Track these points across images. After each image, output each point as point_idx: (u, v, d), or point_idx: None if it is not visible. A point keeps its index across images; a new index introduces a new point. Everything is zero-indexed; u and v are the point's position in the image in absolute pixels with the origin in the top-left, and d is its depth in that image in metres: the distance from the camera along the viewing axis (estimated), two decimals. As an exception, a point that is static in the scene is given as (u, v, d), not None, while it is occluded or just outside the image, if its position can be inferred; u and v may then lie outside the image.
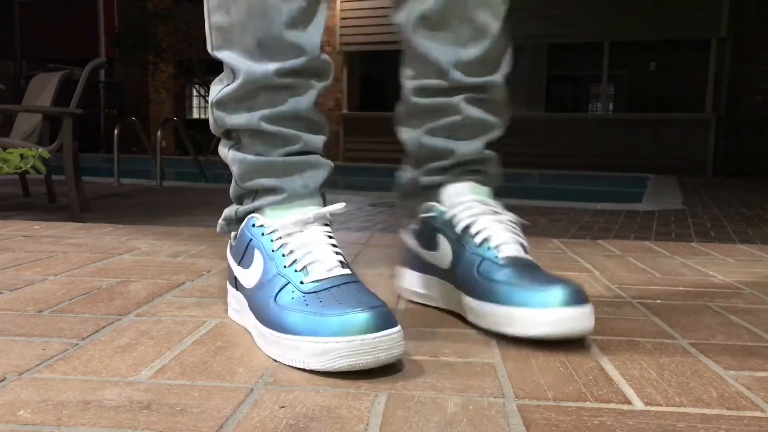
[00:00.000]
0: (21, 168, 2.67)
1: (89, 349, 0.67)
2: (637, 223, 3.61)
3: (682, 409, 0.55)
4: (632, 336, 0.76)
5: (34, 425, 0.49)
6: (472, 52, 0.81)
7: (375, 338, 0.59)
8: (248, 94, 0.73)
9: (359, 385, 0.59)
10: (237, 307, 0.77)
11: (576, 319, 0.68)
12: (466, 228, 0.78)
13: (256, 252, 0.72)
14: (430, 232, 0.83)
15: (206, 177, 6.10)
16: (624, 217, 3.83)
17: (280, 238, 0.70)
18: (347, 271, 0.68)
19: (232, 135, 0.78)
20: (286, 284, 0.67)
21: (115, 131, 5.56)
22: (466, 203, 0.80)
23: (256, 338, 0.70)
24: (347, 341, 0.59)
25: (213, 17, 0.74)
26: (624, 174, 8.43)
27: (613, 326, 0.80)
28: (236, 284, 0.77)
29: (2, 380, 0.58)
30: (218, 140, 0.81)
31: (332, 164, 0.79)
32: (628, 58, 10.59)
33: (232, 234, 0.80)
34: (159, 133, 5.69)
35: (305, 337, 0.61)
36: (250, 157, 0.75)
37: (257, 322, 0.69)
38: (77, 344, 0.69)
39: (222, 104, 0.76)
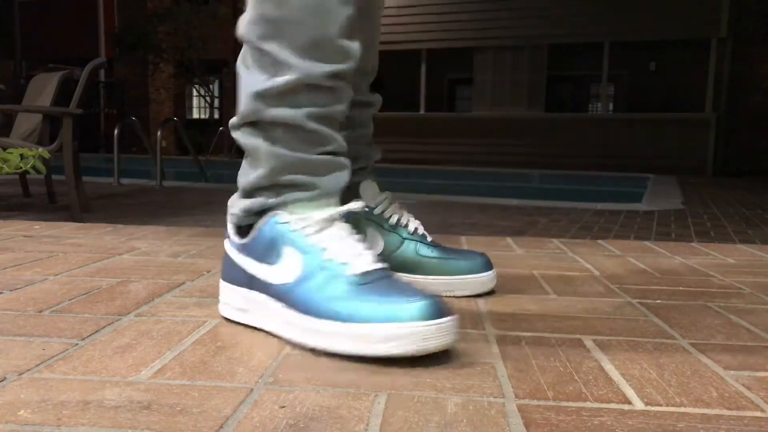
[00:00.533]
0: (21, 168, 2.67)
1: (89, 349, 0.67)
2: (637, 223, 3.61)
3: (682, 409, 0.55)
4: (632, 336, 0.76)
5: (34, 425, 0.49)
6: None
7: (442, 324, 0.64)
8: (296, 90, 0.74)
9: (359, 385, 0.59)
10: (243, 306, 0.76)
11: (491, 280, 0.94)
12: (398, 220, 0.95)
13: (287, 248, 0.72)
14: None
15: (206, 177, 6.10)
16: (624, 217, 3.83)
17: (314, 233, 0.72)
18: (385, 264, 0.73)
19: (263, 127, 0.76)
20: (334, 276, 0.68)
21: (115, 131, 5.56)
22: (384, 198, 0.95)
23: (296, 333, 0.69)
24: (425, 326, 0.63)
25: (262, 7, 0.73)
26: (624, 174, 8.43)
27: (613, 326, 0.80)
28: (251, 283, 0.75)
29: (2, 380, 0.58)
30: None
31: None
32: (628, 58, 10.60)
33: (231, 231, 0.80)
34: (159, 133, 5.69)
35: (378, 324, 0.64)
36: (288, 152, 0.75)
37: (302, 315, 0.68)
38: (77, 344, 0.69)
39: (264, 96, 0.74)
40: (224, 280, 0.80)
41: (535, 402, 0.56)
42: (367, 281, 0.68)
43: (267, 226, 0.74)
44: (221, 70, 13.27)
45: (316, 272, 0.69)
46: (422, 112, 10.57)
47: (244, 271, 0.76)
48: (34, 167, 2.71)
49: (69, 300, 0.87)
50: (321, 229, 0.73)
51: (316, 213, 0.74)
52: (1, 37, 12.15)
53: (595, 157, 9.27)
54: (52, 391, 0.56)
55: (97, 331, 0.73)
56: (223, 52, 13.08)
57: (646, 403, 0.56)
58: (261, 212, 0.77)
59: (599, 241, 1.49)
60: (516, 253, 1.32)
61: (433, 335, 0.63)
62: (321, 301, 0.67)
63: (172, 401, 0.54)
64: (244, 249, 0.77)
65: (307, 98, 0.74)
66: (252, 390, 0.57)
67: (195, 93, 14.41)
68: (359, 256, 0.71)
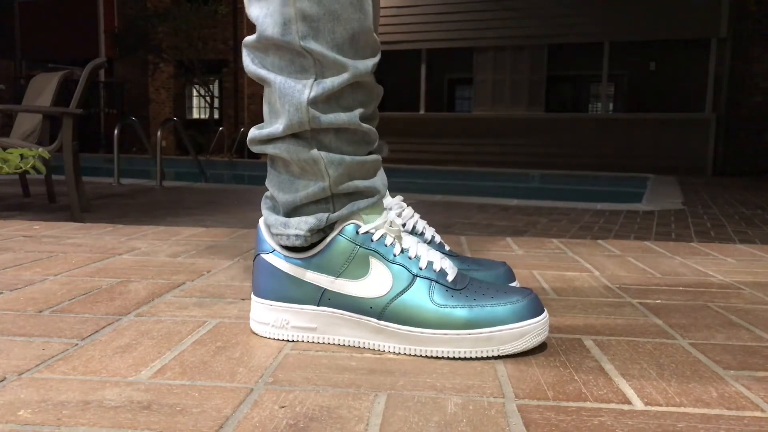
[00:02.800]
0: (21, 168, 2.67)
1: (89, 349, 0.67)
2: (637, 223, 3.61)
3: (682, 409, 0.55)
4: (632, 336, 0.76)
5: (34, 425, 0.49)
6: None
7: (544, 318, 0.69)
8: (344, 90, 0.69)
9: (359, 385, 0.59)
10: (310, 325, 0.71)
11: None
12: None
13: (372, 260, 0.69)
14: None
15: (206, 177, 6.11)
16: (624, 217, 3.83)
17: (395, 241, 0.70)
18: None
19: (313, 136, 0.69)
20: (433, 284, 0.68)
21: (115, 131, 5.56)
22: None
23: (404, 345, 0.68)
24: (535, 323, 0.68)
25: (299, 3, 0.65)
26: (624, 174, 8.43)
27: (613, 326, 0.80)
28: (322, 299, 0.70)
29: (2, 380, 0.58)
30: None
31: None
32: (628, 58, 10.59)
33: (280, 245, 0.72)
34: (159, 133, 5.68)
35: (497, 327, 0.66)
36: (347, 157, 0.70)
37: (409, 327, 0.67)
38: (77, 344, 0.69)
39: (316, 102, 0.67)
40: (273, 299, 0.73)
41: (535, 402, 0.56)
42: (463, 286, 0.69)
43: (344, 238, 0.69)
44: (221, 70, 13.28)
45: (416, 282, 0.68)
46: (422, 112, 10.57)
47: (313, 288, 0.71)
48: (34, 167, 2.71)
49: (69, 300, 0.87)
50: (397, 237, 0.70)
51: (380, 219, 0.70)
52: (1, 37, 12.15)
53: (595, 157, 9.26)
54: (52, 391, 0.56)
55: (97, 331, 0.73)
56: (223, 52, 13.09)
57: (646, 403, 0.56)
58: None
59: (599, 241, 1.49)
60: (516, 253, 1.32)
61: (541, 330, 0.68)
62: (431, 310, 0.67)
63: (172, 401, 0.54)
64: (311, 265, 0.71)
65: (353, 98, 0.70)
66: (252, 390, 0.57)
67: (195, 93, 14.42)
68: (444, 260, 0.71)
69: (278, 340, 0.72)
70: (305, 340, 0.71)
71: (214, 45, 12.48)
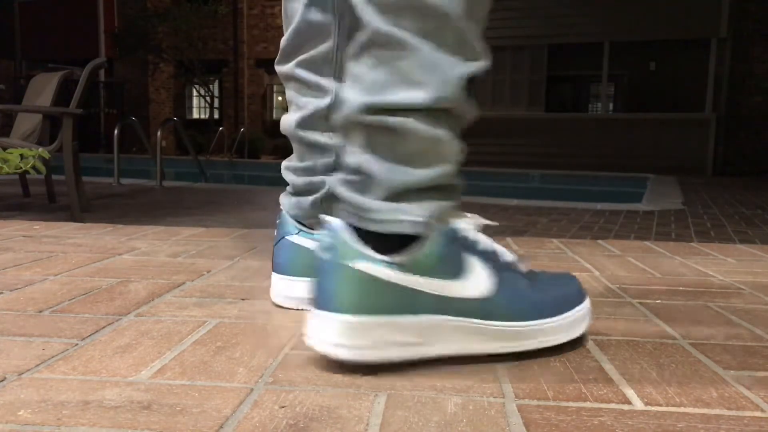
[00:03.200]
0: (21, 168, 2.67)
1: (89, 349, 0.67)
2: (637, 223, 3.61)
3: (682, 409, 0.55)
4: (632, 336, 0.76)
5: (34, 425, 0.49)
6: None
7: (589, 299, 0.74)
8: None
9: (359, 385, 0.59)
10: (413, 339, 0.62)
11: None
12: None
13: (471, 258, 0.65)
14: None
15: (206, 177, 6.11)
16: (624, 217, 3.82)
17: (481, 238, 0.67)
18: None
19: (446, 115, 0.64)
20: (519, 278, 0.68)
21: (115, 131, 5.56)
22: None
23: (507, 342, 0.65)
24: (588, 303, 0.72)
25: None
26: (624, 174, 8.43)
27: (613, 326, 0.80)
28: (420, 305, 0.62)
29: (2, 380, 0.58)
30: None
31: None
32: (628, 58, 10.59)
33: (362, 246, 0.61)
34: (159, 133, 5.69)
35: (572, 311, 0.70)
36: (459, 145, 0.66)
37: (512, 323, 0.65)
38: (77, 344, 0.69)
39: (463, 81, 0.62)
40: (368, 313, 0.61)
41: (535, 402, 0.56)
42: (532, 277, 0.70)
43: (449, 237, 0.63)
44: (221, 70, 13.28)
45: (507, 277, 0.67)
46: (422, 112, 10.56)
47: (417, 294, 0.62)
48: (34, 167, 2.71)
49: (69, 300, 0.87)
50: (477, 234, 0.67)
51: (462, 217, 0.67)
52: (1, 37, 12.15)
53: (595, 157, 9.27)
54: (52, 391, 0.56)
55: (97, 331, 0.73)
56: (223, 52, 13.08)
57: (646, 403, 0.56)
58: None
59: (599, 241, 1.49)
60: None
61: (591, 311, 0.73)
62: (528, 304, 0.67)
63: (172, 401, 0.54)
64: (412, 267, 0.62)
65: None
66: (252, 390, 0.57)
67: (195, 93, 14.42)
68: (513, 254, 0.71)
69: (374, 362, 0.61)
70: (408, 358, 0.62)
71: (214, 45, 12.47)
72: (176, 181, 5.88)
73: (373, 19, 0.60)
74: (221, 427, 0.50)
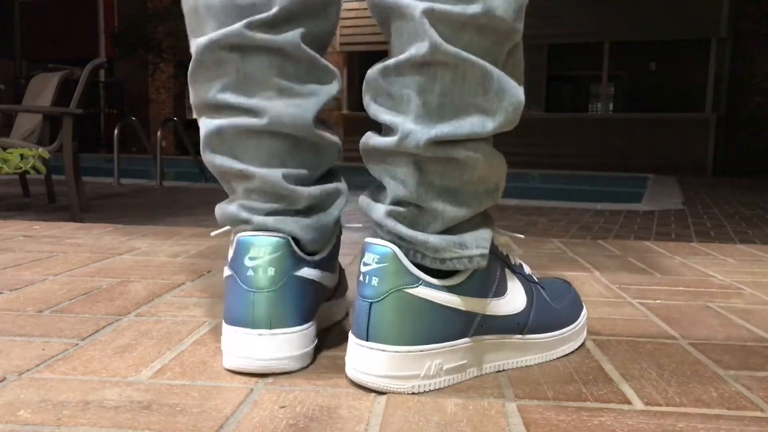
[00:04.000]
0: (21, 168, 2.67)
1: (89, 349, 0.67)
2: (637, 223, 3.61)
3: (682, 409, 0.55)
4: (632, 336, 0.76)
5: (34, 425, 0.49)
6: None
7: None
8: None
9: (359, 385, 0.59)
10: (460, 361, 0.60)
11: None
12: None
13: (509, 273, 0.65)
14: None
15: (206, 177, 6.10)
16: (624, 217, 3.82)
17: (509, 253, 0.69)
18: None
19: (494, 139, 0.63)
20: (538, 287, 0.69)
21: (115, 131, 5.56)
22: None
23: (544, 353, 0.67)
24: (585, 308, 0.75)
25: None
26: (624, 174, 8.43)
27: (613, 326, 0.80)
28: (471, 327, 0.60)
29: (2, 380, 0.58)
30: None
31: None
32: (628, 58, 10.59)
33: (423, 274, 0.57)
34: (159, 133, 5.68)
35: (582, 317, 0.72)
36: None
37: (546, 333, 0.67)
38: (77, 344, 0.69)
39: None
40: (423, 342, 0.57)
41: (535, 402, 0.56)
42: (544, 285, 0.71)
43: (492, 254, 0.62)
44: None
45: (534, 290, 0.67)
46: (422, 112, 10.56)
47: (468, 316, 0.60)
48: (34, 167, 2.71)
49: (69, 300, 0.87)
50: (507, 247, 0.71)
51: (497, 232, 0.66)
52: (1, 37, 12.15)
53: (595, 157, 9.26)
54: (52, 391, 0.56)
55: (97, 331, 0.73)
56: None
57: (646, 403, 0.56)
58: None
59: (599, 241, 1.49)
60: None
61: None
62: (554, 315, 0.68)
63: (172, 401, 0.54)
64: (465, 289, 0.59)
65: None
66: (252, 390, 0.57)
67: (195, 93, 14.38)
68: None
69: (423, 393, 0.58)
70: (456, 382, 0.60)
71: (214, 45, 12.40)
72: (176, 181, 5.87)
73: (434, 35, 0.53)
74: (221, 427, 0.50)
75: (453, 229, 0.59)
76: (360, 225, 2.61)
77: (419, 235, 0.58)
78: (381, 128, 0.59)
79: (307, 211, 0.64)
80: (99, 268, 1.09)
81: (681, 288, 1.03)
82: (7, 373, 0.60)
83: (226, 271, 0.63)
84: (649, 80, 11.12)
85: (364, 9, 10.08)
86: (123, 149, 6.06)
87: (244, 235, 0.61)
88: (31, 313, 0.80)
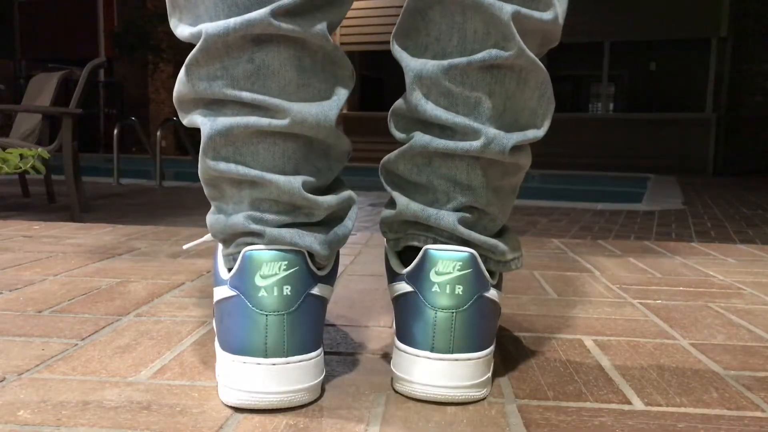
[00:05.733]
0: (20, 168, 2.67)
1: (89, 350, 0.67)
2: (638, 223, 3.61)
3: (682, 410, 0.55)
4: (632, 336, 0.76)
5: (33, 425, 0.49)
6: None
7: None
8: None
9: (359, 385, 0.59)
10: None
11: None
12: None
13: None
14: None
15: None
16: (624, 217, 3.82)
17: None
18: None
19: None
20: None
21: (115, 131, 5.56)
22: None
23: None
24: None
25: None
26: (624, 174, 8.43)
27: (614, 326, 0.80)
28: None
29: (2, 380, 0.58)
30: None
31: None
32: (628, 58, 10.60)
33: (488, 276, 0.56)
34: (159, 133, 5.68)
35: None
36: None
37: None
38: (77, 344, 0.69)
39: None
40: (490, 345, 0.57)
41: (535, 402, 0.56)
42: None
43: None
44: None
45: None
46: (422, 112, 10.55)
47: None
48: (33, 167, 2.71)
49: (69, 300, 0.87)
50: None
51: None
52: (1, 37, 12.15)
53: (595, 157, 9.26)
54: (52, 391, 0.56)
55: (96, 332, 0.73)
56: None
57: (646, 404, 0.56)
58: None
59: (600, 241, 1.49)
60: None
61: None
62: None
63: (172, 401, 0.54)
64: (499, 288, 0.61)
65: None
66: (252, 390, 0.57)
67: (195, 93, 14.38)
68: None
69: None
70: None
71: (214, 45, 12.40)
72: (176, 181, 5.87)
73: (519, 40, 0.52)
74: (221, 427, 0.50)
75: (501, 233, 0.61)
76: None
77: (490, 240, 0.57)
78: (422, 128, 0.57)
79: (325, 222, 0.58)
80: (99, 268, 1.09)
81: (681, 288, 1.03)
82: (6, 373, 0.60)
83: (224, 292, 0.54)
84: (649, 80, 11.12)
85: (364, 8, 10.09)
86: (122, 149, 6.06)
87: (255, 248, 0.52)
88: (31, 314, 0.80)
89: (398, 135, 0.60)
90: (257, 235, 0.54)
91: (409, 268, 0.56)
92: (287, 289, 0.52)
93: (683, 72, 10.39)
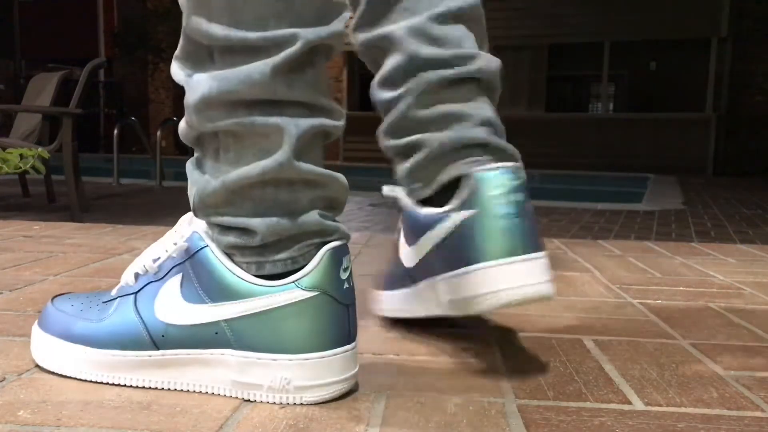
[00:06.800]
0: (20, 168, 2.67)
1: (89, 349, 0.67)
2: (638, 223, 3.61)
3: (682, 410, 0.55)
4: (632, 336, 0.76)
5: (33, 425, 0.49)
6: None
7: None
8: None
9: (359, 385, 0.59)
10: None
11: None
12: None
13: None
14: None
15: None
16: (624, 217, 3.82)
17: None
18: None
19: None
20: None
21: (115, 131, 5.56)
22: None
23: None
24: None
25: None
26: (624, 174, 8.43)
27: (614, 326, 0.80)
28: None
29: (2, 380, 0.58)
30: None
31: None
32: (628, 58, 10.59)
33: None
34: (159, 133, 5.68)
35: None
36: None
37: None
38: (77, 344, 0.69)
39: None
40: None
41: (535, 402, 0.56)
42: None
43: None
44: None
45: None
46: (422, 112, 10.55)
47: None
48: (33, 167, 2.71)
49: (69, 300, 0.87)
50: None
51: None
52: (1, 37, 12.15)
53: (595, 157, 9.26)
54: (52, 391, 0.56)
55: (96, 331, 0.73)
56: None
57: (647, 404, 0.56)
58: None
59: (600, 241, 1.49)
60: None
61: None
62: None
63: (172, 401, 0.54)
64: None
65: None
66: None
67: (195, 93, 14.38)
68: None
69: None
70: None
71: (214, 45, 12.38)
72: (176, 181, 5.86)
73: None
74: (221, 427, 0.50)
75: None
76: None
77: (508, 145, 0.69)
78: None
79: None
80: (99, 268, 1.08)
81: (681, 288, 1.03)
82: (6, 373, 0.60)
83: (292, 296, 0.53)
84: (649, 80, 11.12)
85: (364, 9, 10.07)
86: (122, 149, 6.05)
87: (336, 245, 0.54)
88: (31, 314, 0.80)
89: (393, 141, 0.70)
90: (332, 232, 0.56)
91: (459, 199, 0.61)
92: (352, 280, 0.56)
93: (683, 72, 10.39)
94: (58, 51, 12.03)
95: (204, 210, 0.57)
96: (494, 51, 0.71)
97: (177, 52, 0.57)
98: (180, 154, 10.57)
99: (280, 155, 0.53)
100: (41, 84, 3.74)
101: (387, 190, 0.72)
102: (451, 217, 0.61)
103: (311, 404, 0.54)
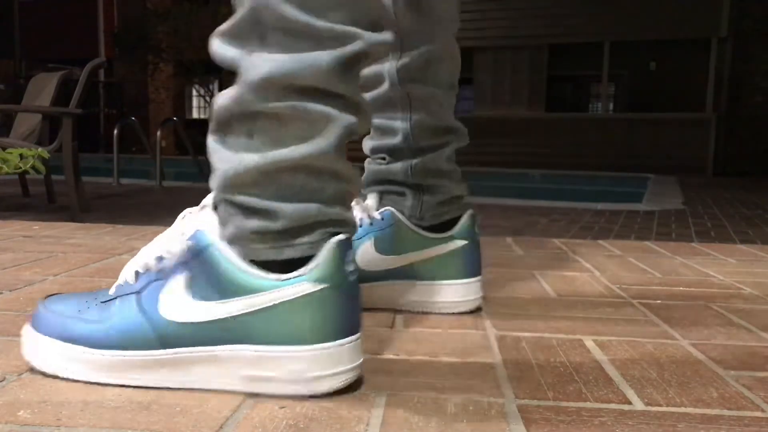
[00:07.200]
0: (20, 168, 2.67)
1: (89, 349, 0.67)
2: (638, 223, 3.61)
3: (682, 410, 0.55)
4: (632, 336, 0.76)
5: (33, 425, 0.49)
6: None
7: None
8: None
9: (359, 386, 0.59)
10: None
11: None
12: None
13: None
14: None
15: (206, 177, 6.10)
16: (624, 217, 3.82)
17: None
18: None
19: None
20: None
21: (115, 131, 5.56)
22: None
23: None
24: None
25: None
26: (624, 174, 8.43)
27: (613, 326, 0.80)
28: None
29: (2, 380, 0.58)
30: None
31: None
32: (628, 58, 10.59)
33: None
34: (159, 133, 5.68)
35: None
36: None
37: None
38: (77, 344, 0.69)
39: None
40: None
41: (535, 402, 0.56)
42: None
43: None
44: (221, 70, 13.26)
45: None
46: (422, 112, 10.55)
47: None
48: (33, 167, 2.71)
49: (69, 300, 0.87)
50: None
51: None
52: (1, 37, 12.15)
53: (595, 157, 9.26)
54: (52, 391, 0.56)
55: (96, 331, 0.73)
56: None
57: (646, 404, 0.56)
58: None
59: (600, 242, 1.49)
60: (516, 253, 1.32)
61: None
62: None
63: (172, 401, 0.54)
64: None
65: None
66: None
67: (195, 93, 14.41)
68: None
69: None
70: None
71: (214, 45, 12.38)
72: (176, 181, 5.87)
73: None
74: (221, 427, 0.50)
75: None
76: None
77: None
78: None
79: None
80: (98, 268, 1.08)
81: (681, 288, 1.03)
82: (6, 373, 0.60)
83: (303, 288, 0.54)
84: (649, 80, 11.12)
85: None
86: (122, 149, 6.05)
87: (342, 237, 0.56)
88: (31, 314, 0.80)
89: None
90: (349, 224, 0.58)
91: (460, 227, 0.85)
92: (356, 272, 0.57)
93: (683, 72, 10.39)
94: (58, 51, 12.03)
95: (229, 189, 0.57)
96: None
97: (224, 28, 0.55)
98: (180, 154, 10.58)
99: (323, 143, 0.54)
100: (41, 84, 3.74)
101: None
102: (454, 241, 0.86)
103: (321, 395, 0.54)
